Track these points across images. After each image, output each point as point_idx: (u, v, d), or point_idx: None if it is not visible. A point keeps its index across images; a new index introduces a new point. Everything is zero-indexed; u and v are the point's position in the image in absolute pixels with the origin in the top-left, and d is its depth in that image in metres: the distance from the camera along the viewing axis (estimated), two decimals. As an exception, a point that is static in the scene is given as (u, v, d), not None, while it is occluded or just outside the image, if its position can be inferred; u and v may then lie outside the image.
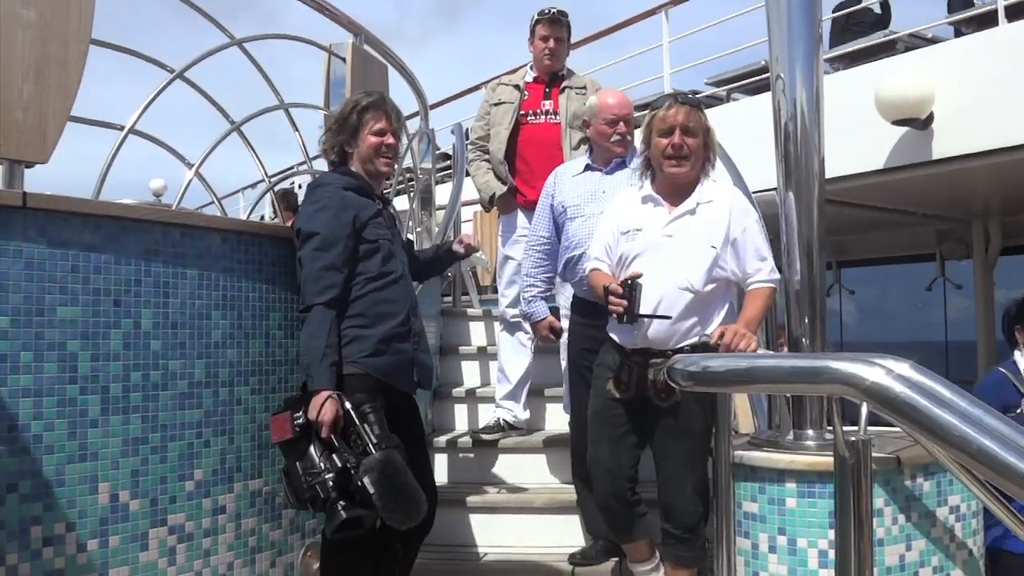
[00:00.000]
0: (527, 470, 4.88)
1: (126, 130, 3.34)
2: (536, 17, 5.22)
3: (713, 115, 8.54)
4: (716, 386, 2.78)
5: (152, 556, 2.98)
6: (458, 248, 4.00)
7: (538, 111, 5.18)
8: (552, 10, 5.17)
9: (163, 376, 3.05)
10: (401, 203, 6.34)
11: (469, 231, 9.50)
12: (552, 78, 5.23)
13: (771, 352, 3.76)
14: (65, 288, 2.78)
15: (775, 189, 3.74)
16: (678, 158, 3.50)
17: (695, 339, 3.44)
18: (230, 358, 3.28)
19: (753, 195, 4.41)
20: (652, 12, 9.84)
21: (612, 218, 3.70)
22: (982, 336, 10.15)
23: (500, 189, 5.07)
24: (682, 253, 3.47)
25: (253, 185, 12.66)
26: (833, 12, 9.26)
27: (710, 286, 3.46)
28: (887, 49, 8.51)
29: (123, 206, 3.06)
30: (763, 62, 9.28)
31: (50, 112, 2.94)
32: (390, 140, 3.57)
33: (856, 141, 7.31)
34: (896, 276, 13.16)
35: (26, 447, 2.68)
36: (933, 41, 8.25)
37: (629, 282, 3.34)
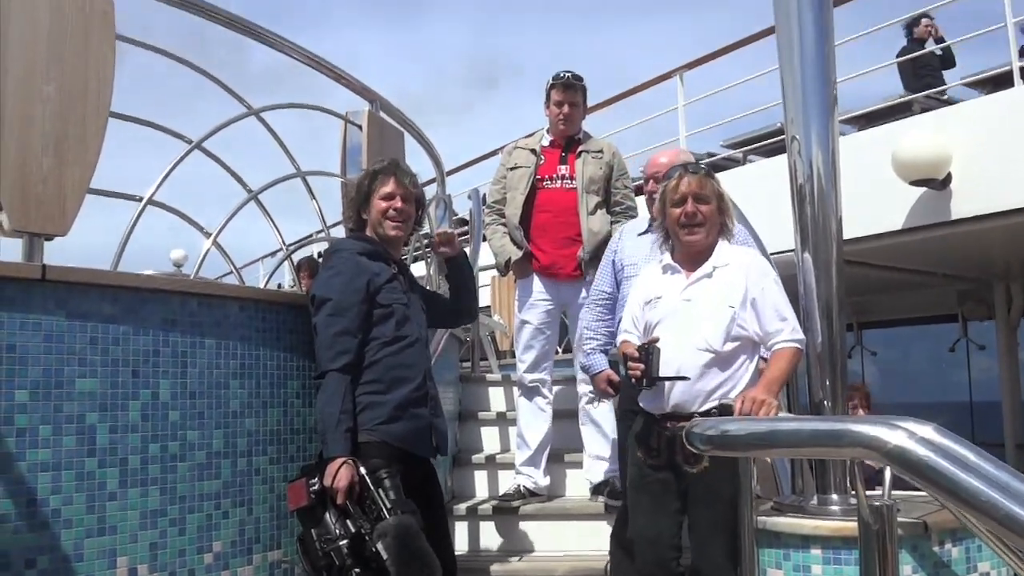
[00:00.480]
0: (548, 537, 4.82)
1: (144, 201, 3.37)
2: (551, 82, 5.16)
3: (729, 177, 8.60)
4: (735, 450, 2.74)
5: (170, 631, 2.95)
6: (442, 250, 3.92)
7: (554, 176, 5.13)
8: (566, 74, 5.12)
9: (181, 447, 3.04)
10: (419, 269, 6.36)
11: (487, 296, 9.51)
12: (568, 142, 5.18)
13: (791, 415, 3.71)
14: (84, 360, 2.79)
15: (793, 250, 3.74)
16: (691, 226, 3.55)
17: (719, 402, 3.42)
18: (248, 427, 3.27)
19: (771, 256, 4.41)
20: (667, 76, 9.95)
21: (638, 291, 3.76)
22: (1007, 396, 10.03)
23: (516, 254, 5.07)
24: (699, 315, 3.48)
25: (272, 253, 12.74)
26: (896, 57, 9.27)
27: (730, 345, 3.45)
28: (903, 110, 8.57)
29: (141, 277, 3.08)
30: (779, 124, 9.33)
31: (69, 185, 2.96)
32: (398, 204, 3.58)
33: (874, 202, 7.31)
34: (918, 337, 13.06)
35: (45, 522, 2.67)
36: (949, 102, 8.30)
37: (646, 346, 3.37)
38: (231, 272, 4.13)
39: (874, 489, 2.96)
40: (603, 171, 5.10)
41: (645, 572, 3.61)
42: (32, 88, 2.89)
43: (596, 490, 4.87)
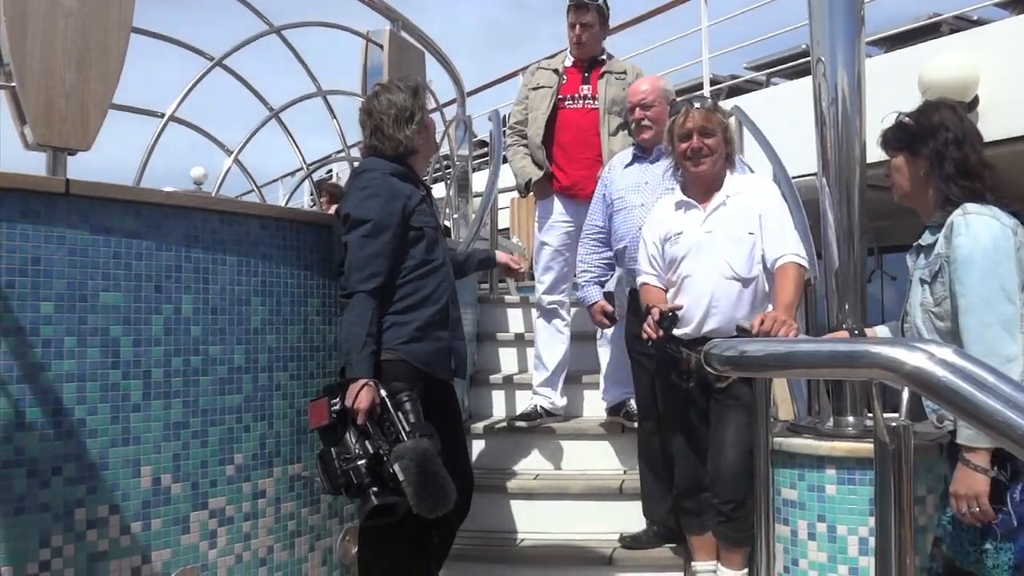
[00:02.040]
0: (564, 456, 4.89)
1: (166, 118, 3.37)
2: (568, 3, 5.10)
3: (753, 99, 8.45)
4: (754, 370, 2.76)
5: (193, 539, 3.02)
6: (502, 260, 4.09)
7: (576, 96, 5.09)
8: None
9: (203, 361, 3.08)
10: (438, 190, 6.37)
11: (506, 218, 9.50)
12: (591, 63, 5.13)
13: (809, 337, 3.75)
14: (107, 274, 2.82)
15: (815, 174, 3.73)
16: (697, 158, 3.65)
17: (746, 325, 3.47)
18: (269, 344, 3.31)
19: (794, 180, 4.39)
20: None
21: (652, 229, 3.84)
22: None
23: (536, 174, 5.05)
24: (722, 245, 3.61)
25: (293, 173, 12.74)
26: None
27: (757, 270, 3.60)
28: (932, 31, 8.42)
29: (164, 193, 3.09)
30: (803, 46, 9.19)
31: (92, 100, 2.97)
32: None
33: (900, 125, 7.22)
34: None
35: (70, 431, 2.72)
36: (979, 23, 8.13)
37: (668, 314, 3.49)
38: (252, 190, 4.14)
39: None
40: (626, 93, 4.97)
41: (680, 489, 3.79)
42: (54, 1, 2.88)
43: (612, 411, 4.92)
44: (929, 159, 2.81)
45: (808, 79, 3.99)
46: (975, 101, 7.01)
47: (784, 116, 6.83)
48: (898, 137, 2.91)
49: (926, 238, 2.83)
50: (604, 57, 5.18)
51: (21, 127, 2.88)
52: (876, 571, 2.23)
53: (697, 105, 3.70)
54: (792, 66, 9.62)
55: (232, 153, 3.66)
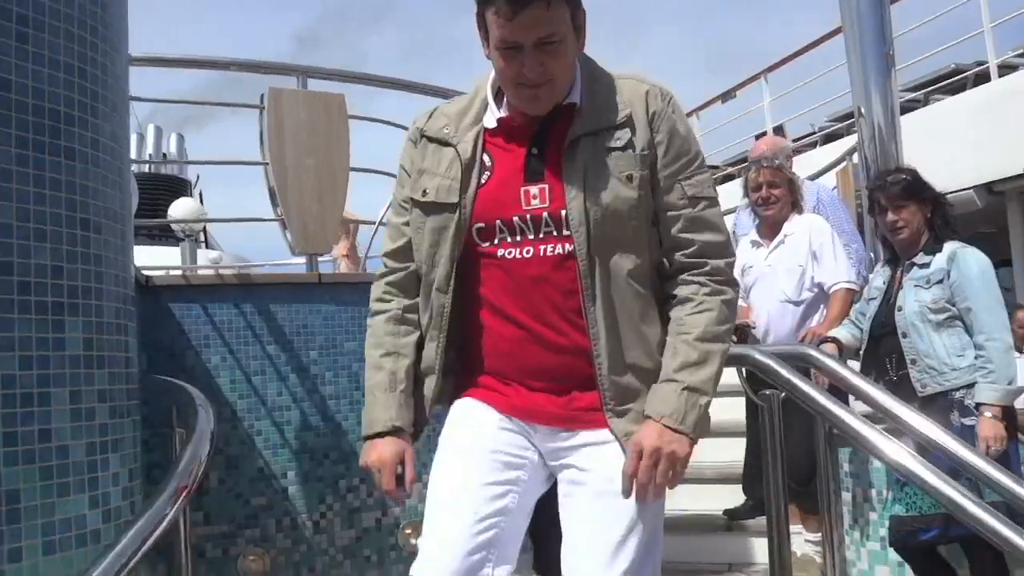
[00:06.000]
0: (700, 449, 5.70)
1: (377, 223, 4.86)
2: None
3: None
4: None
5: (414, 500, 4.22)
6: None
7: None
8: None
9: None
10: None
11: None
12: None
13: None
14: (348, 330, 4.26)
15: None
16: (765, 204, 4.65)
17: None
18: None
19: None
20: (754, 79, 11.21)
21: (738, 261, 4.78)
22: None
23: None
24: (778, 276, 4.56)
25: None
26: None
27: (806, 295, 4.51)
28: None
29: (380, 275, 4.56)
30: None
31: (329, 220, 4.51)
32: None
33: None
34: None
35: (333, 430, 4.19)
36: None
37: (741, 327, 4.36)
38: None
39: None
40: None
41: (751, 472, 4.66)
42: (300, 163, 4.44)
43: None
44: (931, 204, 3.65)
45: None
46: None
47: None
48: (907, 190, 3.66)
49: (922, 258, 3.60)
50: None
51: (288, 241, 4.47)
52: (769, 501, 3.24)
53: (765, 165, 4.65)
54: (848, 124, 10.33)
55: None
